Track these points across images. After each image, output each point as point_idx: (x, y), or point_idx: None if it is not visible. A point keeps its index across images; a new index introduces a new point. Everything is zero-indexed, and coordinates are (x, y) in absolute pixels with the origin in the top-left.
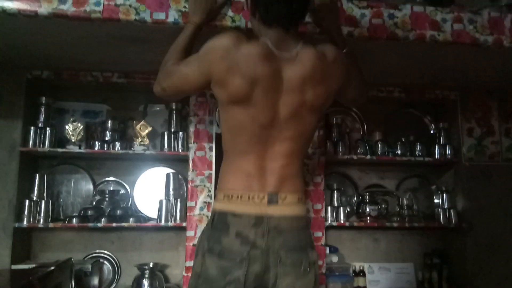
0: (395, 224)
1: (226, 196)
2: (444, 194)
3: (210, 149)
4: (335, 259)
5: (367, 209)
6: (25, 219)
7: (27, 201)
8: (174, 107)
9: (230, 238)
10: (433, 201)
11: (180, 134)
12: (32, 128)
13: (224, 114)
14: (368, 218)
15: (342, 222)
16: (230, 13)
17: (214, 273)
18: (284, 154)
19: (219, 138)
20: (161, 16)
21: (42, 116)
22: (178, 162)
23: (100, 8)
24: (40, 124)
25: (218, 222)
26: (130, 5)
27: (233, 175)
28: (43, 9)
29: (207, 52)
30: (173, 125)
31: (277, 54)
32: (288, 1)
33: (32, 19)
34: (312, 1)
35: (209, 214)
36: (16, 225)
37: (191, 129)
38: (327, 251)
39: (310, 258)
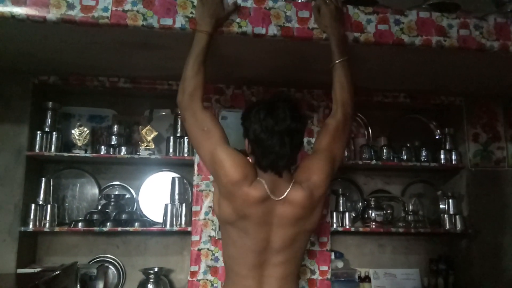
0: (400, 230)
1: None
2: (450, 200)
3: None
4: (340, 264)
5: (373, 215)
6: (31, 223)
7: (33, 205)
8: (179, 112)
9: None
10: (439, 206)
11: (186, 138)
12: (38, 132)
13: (223, 234)
14: (373, 223)
15: (347, 227)
16: (237, 19)
17: None
18: (279, 277)
19: None
20: (168, 21)
21: (49, 121)
22: (183, 166)
23: (108, 14)
24: (46, 129)
25: None
26: (137, 11)
27: None
28: (52, 14)
29: (220, 160)
30: (179, 130)
31: (272, 197)
32: (281, 152)
33: (41, 24)
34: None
35: (214, 218)
36: (22, 229)
37: None
38: (333, 256)
39: None
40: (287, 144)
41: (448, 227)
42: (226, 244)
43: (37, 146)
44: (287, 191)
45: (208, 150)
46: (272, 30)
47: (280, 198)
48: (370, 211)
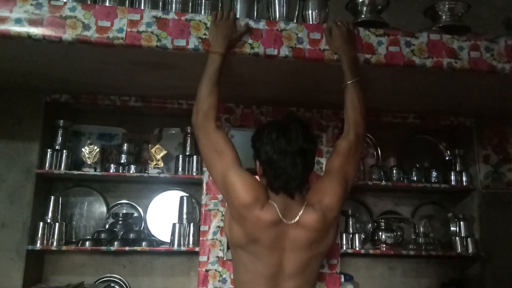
0: (411, 252)
1: None
2: (461, 222)
3: None
4: (350, 287)
5: (383, 236)
6: (39, 242)
7: (41, 224)
8: (189, 131)
9: None
10: (450, 228)
11: (195, 157)
12: (49, 150)
13: (234, 258)
14: (383, 245)
15: (357, 249)
16: (249, 40)
17: None
18: None
19: None
20: (181, 42)
21: (59, 139)
22: (192, 185)
23: (123, 35)
24: (57, 147)
25: None
26: (152, 32)
27: None
28: (68, 35)
29: (232, 183)
30: (188, 149)
31: (284, 221)
32: (294, 173)
33: (56, 44)
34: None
35: (222, 239)
36: (30, 247)
37: None
38: (342, 279)
39: None
40: (300, 164)
41: (459, 250)
42: (237, 268)
43: (47, 164)
44: (300, 214)
45: (220, 171)
46: (284, 51)
47: (293, 221)
48: (380, 233)
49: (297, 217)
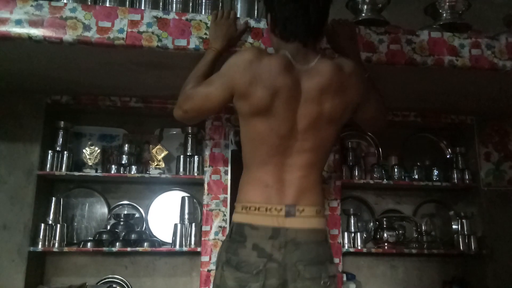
0: (413, 251)
1: (244, 208)
2: (463, 220)
3: (226, 172)
4: (352, 286)
5: (385, 235)
6: (40, 243)
7: (42, 225)
8: (190, 131)
9: (247, 250)
10: (451, 226)
11: (196, 157)
12: (50, 152)
13: (245, 127)
14: (385, 244)
15: (359, 248)
16: (249, 39)
17: (232, 285)
18: (302, 166)
19: (234, 162)
20: (182, 42)
21: (60, 140)
22: (193, 185)
23: (124, 35)
24: (58, 148)
25: (236, 234)
26: (152, 32)
27: (252, 186)
28: (68, 36)
29: (230, 66)
30: (189, 149)
31: (296, 66)
32: (306, 17)
33: (57, 45)
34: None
35: (224, 238)
36: (31, 249)
37: (207, 152)
38: (344, 278)
39: (329, 272)
40: (311, 8)
41: (462, 248)
42: (247, 134)
43: (48, 166)
44: (315, 60)
45: (217, 92)
46: None
47: (307, 66)
48: (382, 232)
49: (312, 63)
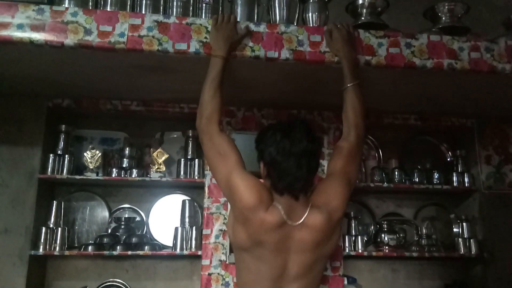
0: (414, 254)
1: None
2: (464, 223)
3: None
4: None
5: (386, 238)
6: (41, 247)
7: (43, 228)
8: (190, 134)
9: None
10: (452, 230)
11: (196, 161)
12: (51, 155)
13: (237, 260)
14: (386, 247)
15: (360, 251)
16: (250, 43)
17: None
18: None
19: None
20: (183, 46)
21: (62, 144)
22: (194, 189)
23: (124, 39)
24: (59, 152)
25: None
26: (153, 36)
27: None
28: (69, 40)
29: (235, 185)
30: (190, 152)
31: (288, 222)
32: (298, 175)
33: (58, 49)
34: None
35: (225, 242)
36: (32, 252)
37: None
38: (345, 281)
39: None
40: (304, 166)
41: (462, 251)
42: (240, 271)
43: (49, 169)
44: (305, 215)
45: (224, 174)
46: (285, 54)
47: (298, 223)
48: (382, 235)
49: (302, 219)
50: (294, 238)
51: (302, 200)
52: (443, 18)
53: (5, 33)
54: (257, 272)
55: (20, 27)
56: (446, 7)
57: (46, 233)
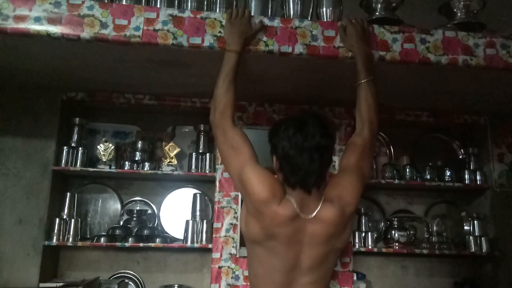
0: (424, 251)
1: None
2: (475, 221)
3: None
4: (362, 286)
5: (396, 235)
6: (55, 237)
7: (57, 220)
8: (202, 129)
9: None
10: (463, 227)
11: (208, 155)
12: (65, 147)
13: (250, 253)
14: (396, 244)
15: (370, 247)
16: (264, 38)
17: None
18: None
19: None
20: (197, 40)
21: (75, 136)
22: (205, 183)
23: (140, 33)
24: (73, 144)
25: None
26: (168, 30)
27: None
28: (86, 33)
29: (248, 179)
30: (201, 146)
31: (301, 215)
32: (311, 169)
33: (74, 43)
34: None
35: (235, 236)
36: (46, 243)
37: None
38: (355, 277)
39: None
40: (317, 160)
41: (473, 249)
42: (253, 263)
43: (63, 161)
44: (318, 209)
45: (236, 168)
46: (298, 48)
47: (310, 216)
48: (393, 232)
49: (315, 212)
50: (307, 231)
51: (314, 194)
52: (459, 14)
53: (22, 25)
54: (269, 265)
55: (37, 20)
56: (462, 3)
57: (59, 224)
